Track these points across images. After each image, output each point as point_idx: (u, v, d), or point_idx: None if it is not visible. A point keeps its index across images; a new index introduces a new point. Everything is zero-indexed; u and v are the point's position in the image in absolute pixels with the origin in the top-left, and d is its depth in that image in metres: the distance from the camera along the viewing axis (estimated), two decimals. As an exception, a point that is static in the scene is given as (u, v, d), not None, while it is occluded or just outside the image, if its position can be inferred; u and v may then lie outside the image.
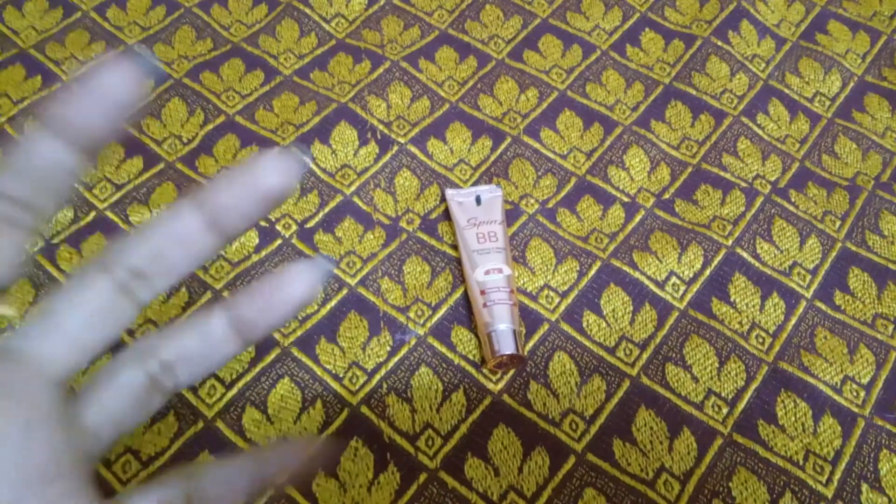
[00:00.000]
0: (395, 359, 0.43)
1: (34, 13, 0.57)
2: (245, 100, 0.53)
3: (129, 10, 0.57)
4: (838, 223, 0.49)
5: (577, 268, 0.46)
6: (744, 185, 0.50)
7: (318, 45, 0.56)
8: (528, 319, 0.44)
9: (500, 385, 0.42)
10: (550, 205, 0.49)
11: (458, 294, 0.45)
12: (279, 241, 0.47)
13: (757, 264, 0.47)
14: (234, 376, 0.42)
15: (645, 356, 0.43)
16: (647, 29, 0.58)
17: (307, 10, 0.57)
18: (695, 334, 0.44)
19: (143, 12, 0.57)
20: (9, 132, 0.51)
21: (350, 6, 0.58)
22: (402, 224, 0.48)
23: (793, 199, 0.50)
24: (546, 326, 0.44)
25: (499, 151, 0.51)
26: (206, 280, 0.45)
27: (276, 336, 0.43)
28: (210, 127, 0.51)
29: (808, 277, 0.47)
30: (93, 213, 0.47)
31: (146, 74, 0.18)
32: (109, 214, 0.47)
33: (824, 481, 0.40)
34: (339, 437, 0.40)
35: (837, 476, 0.40)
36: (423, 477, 0.39)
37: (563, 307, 0.45)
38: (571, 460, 0.40)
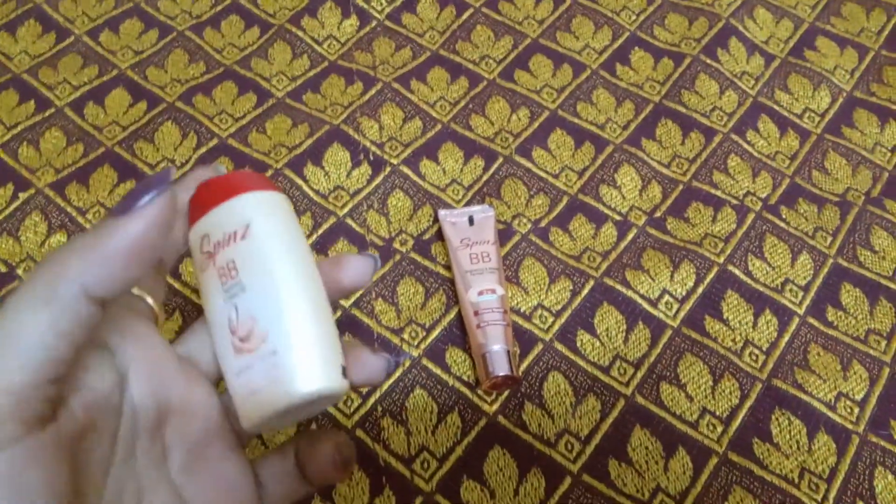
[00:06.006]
0: (390, 381, 0.43)
1: (27, 38, 0.57)
2: (238, 122, 0.53)
3: (121, 34, 0.58)
4: (829, 239, 0.49)
5: (571, 287, 0.46)
6: (735, 202, 0.50)
7: (310, 67, 0.56)
8: (522, 339, 0.44)
9: (496, 406, 0.42)
10: (543, 224, 0.49)
11: (452, 315, 0.45)
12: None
13: (749, 281, 0.47)
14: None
15: (639, 375, 0.43)
16: (636, 48, 0.58)
17: (299, 33, 0.58)
18: (688, 352, 0.44)
19: (135, 37, 0.58)
20: (2, 157, 0.51)
21: (342, 28, 0.58)
22: (396, 245, 0.48)
23: (784, 216, 0.50)
24: (540, 346, 0.44)
25: (491, 171, 0.51)
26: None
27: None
28: (203, 150, 0.52)
29: (801, 294, 0.47)
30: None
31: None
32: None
33: (820, 499, 0.40)
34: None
35: (833, 494, 0.40)
36: (419, 501, 0.39)
37: (556, 327, 0.45)
38: (567, 482, 0.40)
